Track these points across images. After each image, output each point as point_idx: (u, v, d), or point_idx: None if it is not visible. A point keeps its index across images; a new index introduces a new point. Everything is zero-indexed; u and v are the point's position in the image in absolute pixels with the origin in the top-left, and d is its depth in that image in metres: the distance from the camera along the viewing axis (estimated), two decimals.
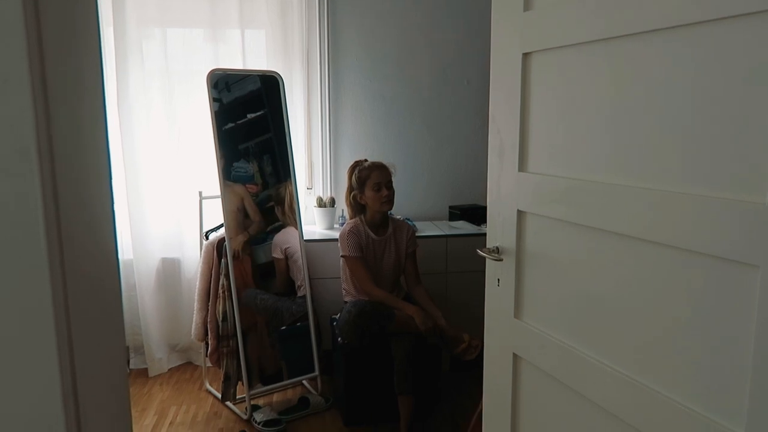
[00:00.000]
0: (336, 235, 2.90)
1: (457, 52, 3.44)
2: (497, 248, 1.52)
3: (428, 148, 3.52)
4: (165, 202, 3.19)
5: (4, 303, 0.61)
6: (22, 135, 0.57)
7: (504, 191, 1.49)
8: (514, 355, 1.51)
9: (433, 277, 3.06)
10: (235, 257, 2.71)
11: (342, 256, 2.72)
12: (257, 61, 3.23)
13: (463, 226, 3.31)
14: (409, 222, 3.09)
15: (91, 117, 0.72)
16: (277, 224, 2.91)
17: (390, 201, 2.71)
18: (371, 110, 3.44)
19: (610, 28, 1.12)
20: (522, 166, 1.42)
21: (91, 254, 0.73)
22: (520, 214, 1.44)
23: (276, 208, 2.89)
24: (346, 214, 2.89)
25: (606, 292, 1.20)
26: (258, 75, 2.87)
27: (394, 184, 2.75)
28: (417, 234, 2.99)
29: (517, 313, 1.49)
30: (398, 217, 3.02)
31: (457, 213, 3.45)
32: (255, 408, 2.75)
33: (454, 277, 3.17)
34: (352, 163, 2.82)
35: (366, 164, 2.75)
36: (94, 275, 0.73)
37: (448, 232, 3.20)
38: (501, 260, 1.51)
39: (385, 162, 2.77)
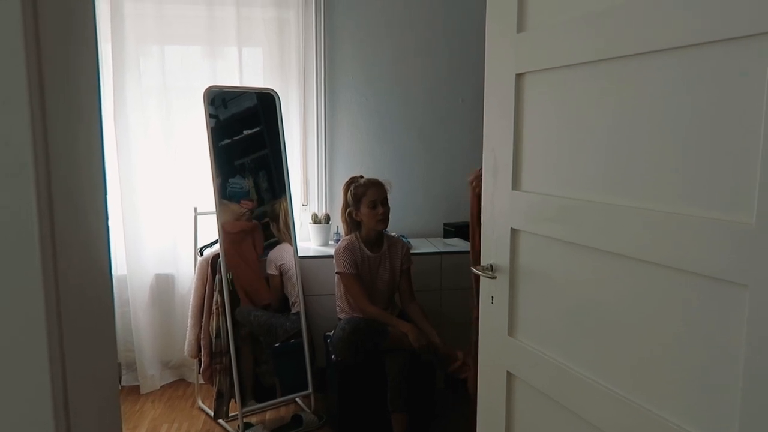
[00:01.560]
0: (331, 251, 2.90)
1: (451, 70, 3.47)
2: (491, 266, 1.53)
3: (423, 165, 3.54)
4: (160, 218, 3.19)
5: None
6: (20, 153, 0.58)
7: (498, 209, 1.50)
8: (508, 373, 1.51)
9: (427, 295, 3.05)
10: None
11: (337, 272, 2.72)
12: (254, 79, 3.26)
13: (458, 244, 3.31)
14: (403, 239, 3.09)
15: (88, 136, 0.73)
16: (272, 240, 2.91)
17: (385, 219, 2.72)
18: (367, 127, 3.46)
19: (603, 50, 1.14)
20: (516, 184, 1.44)
21: (85, 269, 0.73)
22: (514, 232, 1.45)
23: (271, 225, 2.90)
24: (341, 230, 2.90)
25: (599, 311, 1.21)
26: (254, 92, 2.89)
27: (389, 201, 2.76)
28: (411, 251, 3.00)
29: (511, 330, 1.49)
30: (393, 233, 3.02)
31: (452, 230, 3.45)
32: (247, 426, 2.73)
33: (449, 295, 3.17)
34: (347, 179, 2.83)
35: (362, 181, 2.76)
36: (87, 289, 0.74)
37: (442, 249, 3.21)
38: (495, 278, 1.52)
39: (380, 179, 2.78)
